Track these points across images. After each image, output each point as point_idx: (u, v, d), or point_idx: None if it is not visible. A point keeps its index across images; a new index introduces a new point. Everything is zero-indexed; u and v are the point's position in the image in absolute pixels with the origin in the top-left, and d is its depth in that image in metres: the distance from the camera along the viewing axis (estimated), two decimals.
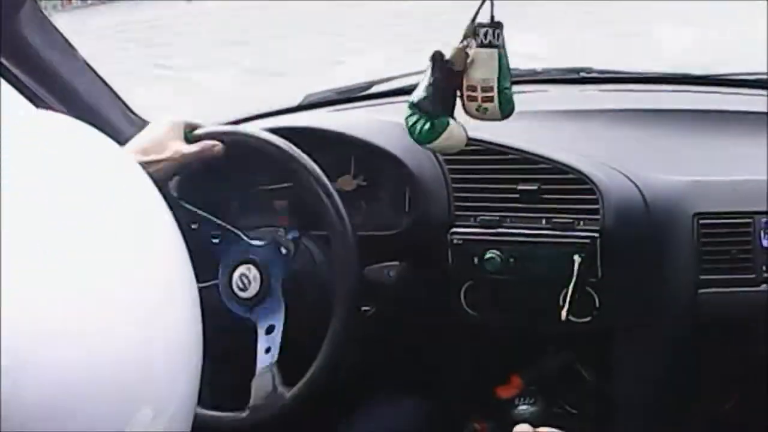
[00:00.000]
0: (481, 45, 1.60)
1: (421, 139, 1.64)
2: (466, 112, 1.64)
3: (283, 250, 1.88)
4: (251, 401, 1.80)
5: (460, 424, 2.17)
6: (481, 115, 1.62)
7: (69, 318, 0.76)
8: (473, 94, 1.61)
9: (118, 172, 0.87)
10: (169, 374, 0.85)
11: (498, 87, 1.60)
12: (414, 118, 1.63)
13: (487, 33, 1.59)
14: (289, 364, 1.80)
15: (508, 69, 1.61)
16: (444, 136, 1.62)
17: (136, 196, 0.87)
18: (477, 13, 1.57)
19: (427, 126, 1.62)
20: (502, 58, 1.60)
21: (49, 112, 0.90)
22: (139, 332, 0.81)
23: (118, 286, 0.80)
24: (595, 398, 2.09)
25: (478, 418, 2.16)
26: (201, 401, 0.92)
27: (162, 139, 1.84)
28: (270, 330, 1.85)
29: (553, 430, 1.59)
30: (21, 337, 0.73)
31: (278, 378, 1.80)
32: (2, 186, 0.75)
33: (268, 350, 1.83)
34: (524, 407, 2.08)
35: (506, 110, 1.62)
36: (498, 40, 1.60)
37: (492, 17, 1.57)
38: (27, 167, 0.79)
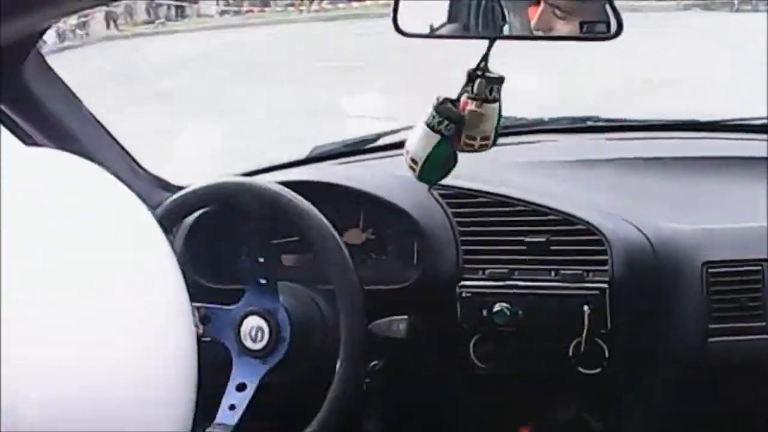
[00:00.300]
0: (486, 101, 1.63)
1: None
2: (460, 150, 1.72)
3: (293, 314, 1.89)
4: None
5: None
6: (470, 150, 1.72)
7: (67, 355, 0.77)
8: (471, 142, 1.69)
9: (117, 206, 0.89)
10: (165, 413, 0.86)
11: (494, 136, 1.69)
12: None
13: (493, 90, 1.62)
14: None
15: (500, 116, 1.68)
16: None
17: (136, 231, 0.88)
18: (485, 59, 1.61)
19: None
20: (500, 110, 1.67)
21: (47, 149, 0.92)
22: (137, 371, 0.82)
23: (115, 322, 0.81)
24: None
25: None
26: None
27: None
28: (241, 388, 1.85)
29: None
30: (18, 371, 0.75)
31: None
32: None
33: (232, 407, 1.83)
34: None
35: (424, 181, 1.79)
36: (499, 94, 1.65)
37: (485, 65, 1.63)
38: (26, 201, 0.81)
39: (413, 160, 1.71)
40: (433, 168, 1.71)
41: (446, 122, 1.66)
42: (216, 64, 11.74)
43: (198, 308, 1.90)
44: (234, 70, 11.35)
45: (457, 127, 1.67)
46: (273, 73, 10.72)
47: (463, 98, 1.66)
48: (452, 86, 1.67)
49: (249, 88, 9.69)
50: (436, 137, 1.68)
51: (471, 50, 1.65)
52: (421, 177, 1.73)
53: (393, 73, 9.32)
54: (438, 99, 1.67)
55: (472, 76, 1.64)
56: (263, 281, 1.88)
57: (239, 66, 11.48)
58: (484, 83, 1.63)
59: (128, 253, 0.85)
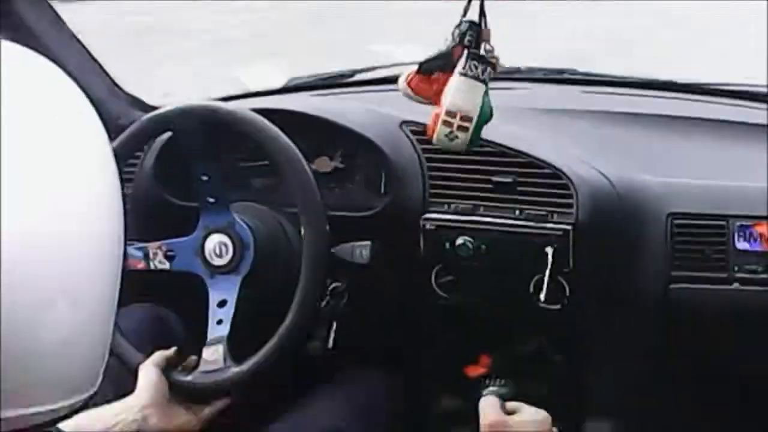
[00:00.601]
0: (466, 75, 1.62)
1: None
2: (434, 135, 1.66)
3: (256, 230, 1.90)
4: (201, 367, 1.84)
5: (429, 401, 2.18)
6: (447, 141, 1.65)
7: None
8: (450, 120, 1.64)
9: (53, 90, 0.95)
10: (88, 273, 0.90)
11: (476, 122, 1.63)
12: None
13: (476, 66, 1.61)
14: (247, 338, 1.81)
15: (491, 110, 1.65)
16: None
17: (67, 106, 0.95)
18: (465, 12, 1.59)
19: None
20: (486, 97, 1.64)
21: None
22: (61, 228, 0.87)
23: (44, 188, 0.86)
24: (565, 384, 2.09)
25: (447, 395, 2.17)
26: None
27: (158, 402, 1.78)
28: (222, 304, 1.87)
29: (521, 404, 1.60)
30: None
31: (228, 353, 1.83)
32: None
33: (220, 322, 1.86)
34: (494, 388, 2.09)
35: (472, 145, 1.66)
36: (484, 75, 1.62)
37: (484, 49, 1.61)
38: None
39: (464, 118, 1.62)
40: (483, 123, 1.64)
41: (486, 67, 1.61)
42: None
43: (159, 247, 1.93)
44: None
45: (485, 68, 1.61)
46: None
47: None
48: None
49: None
50: (481, 86, 1.62)
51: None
52: (473, 138, 1.64)
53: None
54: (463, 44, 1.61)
55: (470, 53, 1.61)
56: (212, 200, 1.90)
57: None
58: (477, 63, 1.61)
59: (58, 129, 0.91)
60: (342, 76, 2.48)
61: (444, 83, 1.64)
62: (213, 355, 1.84)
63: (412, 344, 2.10)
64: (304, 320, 1.80)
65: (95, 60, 2.23)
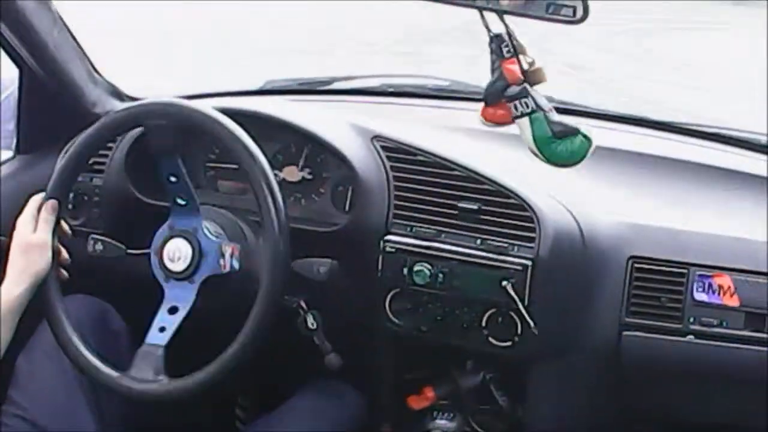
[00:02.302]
0: (520, 117, 1.70)
1: (584, 153, 1.71)
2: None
3: (218, 238, 1.88)
4: (131, 371, 1.81)
5: (372, 428, 2.16)
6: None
7: None
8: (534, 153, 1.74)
9: None
10: None
11: (538, 149, 1.71)
12: (567, 144, 1.70)
13: (524, 104, 1.69)
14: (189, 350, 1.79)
15: (545, 127, 1.69)
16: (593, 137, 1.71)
17: None
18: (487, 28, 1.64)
19: (580, 138, 1.70)
20: (534, 123, 1.69)
21: None
22: None
23: None
24: (507, 423, 2.09)
25: (391, 424, 2.16)
26: None
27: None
28: (173, 311, 1.85)
29: None
30: None
31: (162, 364, 1.79)
32: None
33: (162, 329, 1.83)
34: (442, 422, 2.08)
35: (556, 162, 1.72)
36: (527, 108, 1.68)
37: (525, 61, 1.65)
38: None
39: (533, 152, 1.72)
40: (544, 143, 1.70)
41: (529, 98, 1.68)
42: None
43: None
44: None
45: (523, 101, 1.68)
46: None
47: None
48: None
49: None
50: (525, 121, 1.69)
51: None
52: (551, 160, 1.72)
53: None
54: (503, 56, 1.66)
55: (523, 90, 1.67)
56: (182, 202, 1.87)
57: None
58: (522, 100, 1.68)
59: None
60: (320, 82, 2.46)
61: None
62: (144, 361, 1.80)
63: (357, 366, 2.09)
64: (257, 340, 1.77)
65: (78, 43, 2.20)
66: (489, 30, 1.64)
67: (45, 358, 1.93)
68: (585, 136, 1.69)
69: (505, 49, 1.65)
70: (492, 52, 1.66)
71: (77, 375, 1.88)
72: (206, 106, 1.87)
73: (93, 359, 1.83)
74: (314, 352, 1.93)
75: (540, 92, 1.69)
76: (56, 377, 1.92)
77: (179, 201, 1.87)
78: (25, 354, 1.94)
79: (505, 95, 1.68)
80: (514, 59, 1.65)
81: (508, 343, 1.91)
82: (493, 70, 1.68)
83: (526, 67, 1.66)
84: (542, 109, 1.68)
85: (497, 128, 2.16)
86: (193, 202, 1.87)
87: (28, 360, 1.94)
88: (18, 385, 1.92)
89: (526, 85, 1.67)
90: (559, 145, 1.69)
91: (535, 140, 1.69)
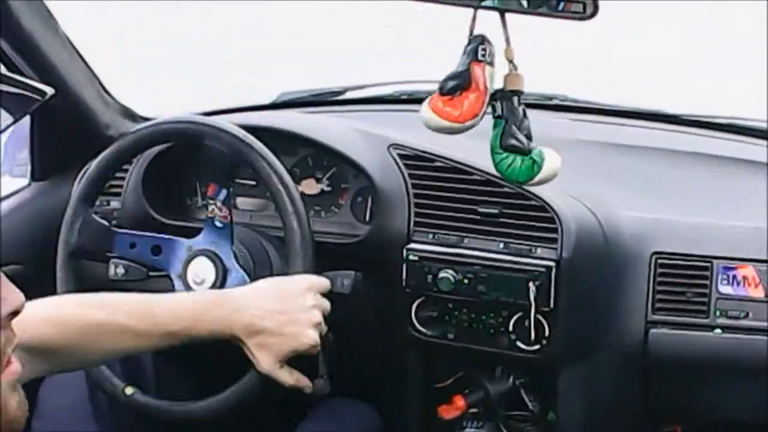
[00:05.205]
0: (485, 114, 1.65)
1: (523, 177, 1.67)
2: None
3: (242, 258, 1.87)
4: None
5: None
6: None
7: None
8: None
9: None
10: None
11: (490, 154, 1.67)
12: (509, 160, 1.66)
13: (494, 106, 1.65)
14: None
15: (503, 136, 1.65)
16: (546, 167, 1.67)
17: None
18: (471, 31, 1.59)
19: (527, 163, 1.65)
20: (496, 128, 1.66)
21: None
22: None
23: None
24: (537, 427, 2.08)
25: None
26: None
27: None
28: None
29: None
30: None
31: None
32: None
33: None
34: (472, 430, 2.07)
35: (500, 173, 1.69)
36: (495, 111, 1.65)
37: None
38: None
39: None
40: (493, 151, 1.67)
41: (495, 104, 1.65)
42: None
43: (150, 238, 1.90)
44: None
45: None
46: None
47: None
48: None
49: None
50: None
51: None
52: (495, 168, 1.69)
53: None
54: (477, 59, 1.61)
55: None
56: (220, 225, 1.85)
57: None
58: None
59: None
60: (333, 93, 2.46)
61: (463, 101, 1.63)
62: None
63: (389, 379, 2.08)
64: None
65: (87, 66, 2.20)
66: (471, 32, 1.59)
67: (66, 388, 1.93)
68: (535, 161, 1.65)
69: (481, 53, 1.60)
70: (465, 53, 1.60)
71: (99, 405, 1.89)
72: (225, 122, 1.87)
73: (117, 381, 1.84)
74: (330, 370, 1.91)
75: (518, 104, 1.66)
76: (78, 408, 1.92)
77: (217, 224, 1.86)
78: (46, 384, 1.94)
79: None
80: (485, 65, 1.60)
81: (536, 347, 1.90)
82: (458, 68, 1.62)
83: (505, 72, 1.63)
84: (506, 119, 1.64)
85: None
86: (229, 227, 1.86)
87: (49, 390, 1.94)
88: (40, 416, 1.92)
89: (504, 89, 1.63)
90: (504, 159, 1.66)
91: (491, 144, 1.67)
